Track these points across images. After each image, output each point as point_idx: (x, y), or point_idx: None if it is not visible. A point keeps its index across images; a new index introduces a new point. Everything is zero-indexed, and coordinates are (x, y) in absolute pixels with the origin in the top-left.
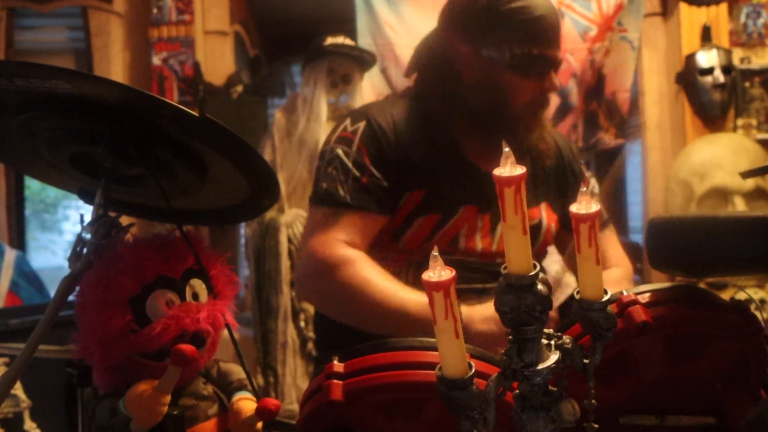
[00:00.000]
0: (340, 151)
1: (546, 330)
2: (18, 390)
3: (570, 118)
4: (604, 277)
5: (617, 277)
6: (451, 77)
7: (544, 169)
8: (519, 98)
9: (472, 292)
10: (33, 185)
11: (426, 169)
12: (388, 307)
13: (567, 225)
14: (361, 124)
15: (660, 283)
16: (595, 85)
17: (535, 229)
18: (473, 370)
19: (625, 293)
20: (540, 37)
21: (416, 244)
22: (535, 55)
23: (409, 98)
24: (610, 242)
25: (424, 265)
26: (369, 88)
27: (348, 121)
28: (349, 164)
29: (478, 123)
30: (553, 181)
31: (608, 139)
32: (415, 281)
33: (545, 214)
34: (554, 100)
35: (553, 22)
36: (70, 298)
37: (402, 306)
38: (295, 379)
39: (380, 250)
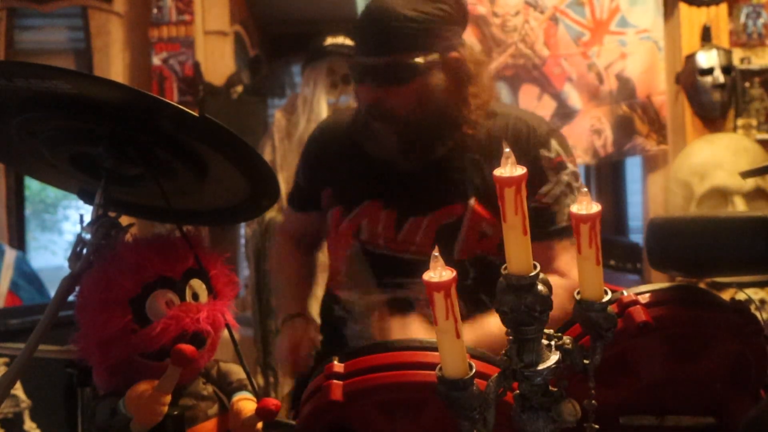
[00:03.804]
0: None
1: (546, 330)
2: (18, 390)
3: (578, 121)
4: None
5: (563, 286)
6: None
7: (473, 161)
8: (363, 103)
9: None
10: (33, 185)
11: (335, 169)
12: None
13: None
14: (314, 131)
15: (660, 283)
16: (615, 88)
17: (452, 227)
18: (473, 371)
19: (625, 293)
20: (361, 44)
21: (331, 234)
22: (356, 63)
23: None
24: (568, 254)
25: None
26: None
27: (318, 125)
28: (296, 167)
29: (366, 134)
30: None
31: (650, 146)
32: (352, 271)
33: (470, 211)
34: (550, 104)
35: (376, 28)
36: (70, 298)
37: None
38: None
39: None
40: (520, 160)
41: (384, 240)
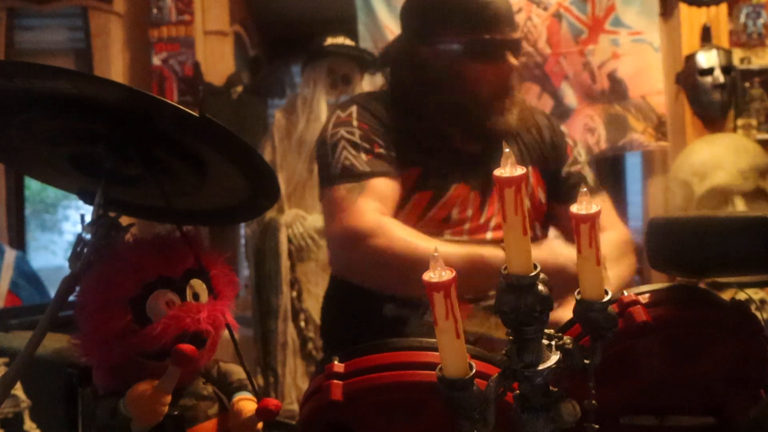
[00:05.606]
0: (343, 132)
1: (546, 330)
2: (18, 390)
3: (573, 119)
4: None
5: (614, 240)
6: (415, 75)
7: (532, 140)
8: (480, 84)
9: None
10: (33, 185)
11: (417, 149)
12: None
13: (553, 195)
14: (353, 108)
15: (660, 283)
16: (607, 88)
17: None
18: (474, 371)
19: (625, 293)
20: (489, 21)
21: (412, 221)
22: (486, 40)
23: (387, 93)
24: (602, 208)
25: None
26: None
27: (338, 111)
28: (357, 140)
29: (449, 112)
30: (539, 151)
31: (646, 141)
32: None
33: (532, 178)
34: (548, 102)
35: (501, 6)
36: (70, 298)
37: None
38: (295, 379)
39: None
40: (555, 138)
41: (470, 223)
